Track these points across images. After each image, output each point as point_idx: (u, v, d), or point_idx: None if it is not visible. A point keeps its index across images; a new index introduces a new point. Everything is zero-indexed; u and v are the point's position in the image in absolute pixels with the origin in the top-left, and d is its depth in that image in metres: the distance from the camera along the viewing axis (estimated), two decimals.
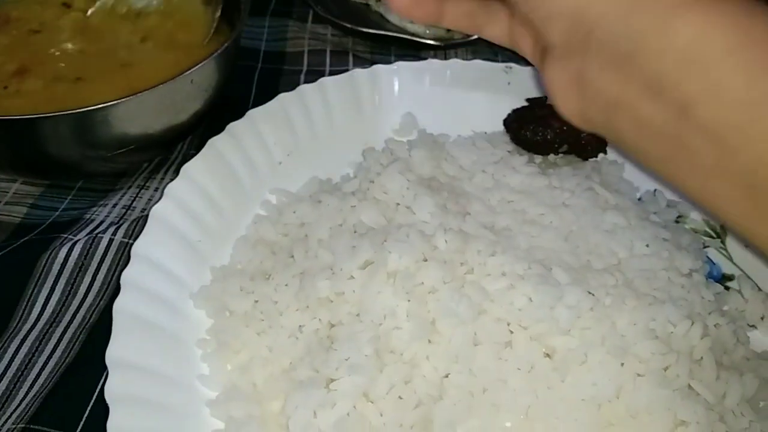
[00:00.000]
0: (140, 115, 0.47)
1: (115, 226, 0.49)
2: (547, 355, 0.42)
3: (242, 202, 0.51)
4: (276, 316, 0.43)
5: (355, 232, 0.47)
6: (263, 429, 0.39)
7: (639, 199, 0.57)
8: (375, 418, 0.39)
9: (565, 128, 0.57)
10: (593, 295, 0.43)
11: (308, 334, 0.42)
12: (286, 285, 0.44)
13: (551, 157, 0.59)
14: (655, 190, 0.57)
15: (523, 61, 0.43)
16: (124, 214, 0.51)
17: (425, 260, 0.43)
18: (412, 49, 0.70)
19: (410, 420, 0.39)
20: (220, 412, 0.40)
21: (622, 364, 0.41)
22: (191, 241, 0.47)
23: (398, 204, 0.49)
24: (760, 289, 0.53)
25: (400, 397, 0.40)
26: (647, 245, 0.49)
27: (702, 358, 0.44)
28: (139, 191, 0.53)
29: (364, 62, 0.67)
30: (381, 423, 0.39)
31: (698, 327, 0.44)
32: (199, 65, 0.48)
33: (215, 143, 0.51)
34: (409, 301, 0.41)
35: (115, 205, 0.52)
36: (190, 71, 0.47)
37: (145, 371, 0.40)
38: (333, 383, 0.39)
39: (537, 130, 0.57)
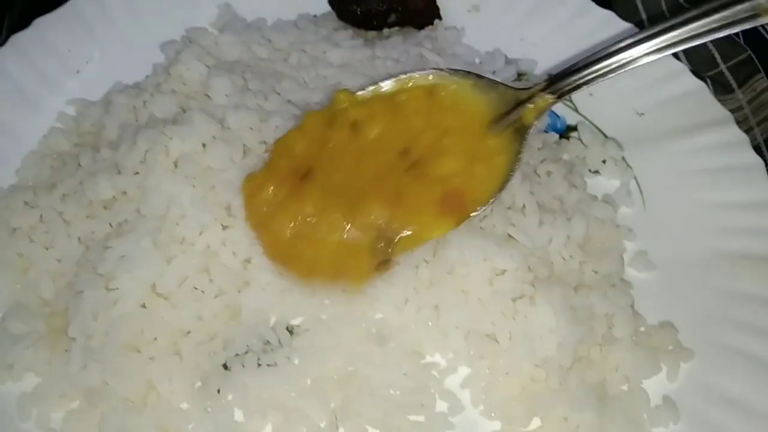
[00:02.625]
0: None
1: None
2: None
3: (35, 117, 0.46)
4: (63, 226, 0.39)
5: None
6: (47, 342, 0.36)
7: (479, 63, 0.54)
8: (167, 312, 0.36)
9: None
10: None
11: (96, 239, 0.39)
12: (73, 193, 0.40)
13: (385, 31, 0.55)
14: (494, 50, 0.54)
15: None
16: None
17: (214, 139, 0.40)
18: None
19: (211, 310, 0.37)
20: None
21: None
22: None
23: (197, 92, 0.45)
24: (604, 135, 0.52)
25: (195, 288, 0.37)
26: None
27: (524, 206, 0.42)
28: None
29: None
30: (176, 316, 0.36)
31: (519, 176, 0.42)
32: None
33: None
34: (194, 186, 0.38)
35: None
36: None
37: None
38: (112, 282, 0.36)
39: (361, 2, 0.53)
